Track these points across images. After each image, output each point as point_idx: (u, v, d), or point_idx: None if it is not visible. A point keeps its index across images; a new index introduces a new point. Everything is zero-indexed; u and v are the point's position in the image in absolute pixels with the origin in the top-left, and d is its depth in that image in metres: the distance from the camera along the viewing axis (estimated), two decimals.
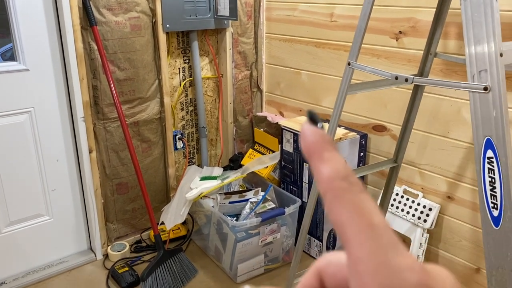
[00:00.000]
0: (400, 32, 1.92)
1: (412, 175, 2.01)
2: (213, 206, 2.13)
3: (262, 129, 2.56)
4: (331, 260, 0.24)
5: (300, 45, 2.37)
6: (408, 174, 2.03)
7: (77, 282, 2.08)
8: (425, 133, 1.93)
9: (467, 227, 1.87)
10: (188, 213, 2.19)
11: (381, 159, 2.12)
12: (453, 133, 1.84)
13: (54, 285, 2.06)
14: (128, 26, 2.05)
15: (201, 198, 2.16)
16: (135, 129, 2.21)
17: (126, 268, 2.07)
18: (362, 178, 2.22)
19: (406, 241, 2.02)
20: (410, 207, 1.99)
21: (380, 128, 2.11)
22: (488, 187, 1.06)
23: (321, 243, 2.20)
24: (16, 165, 1.98)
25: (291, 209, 2.08)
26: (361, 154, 2.15)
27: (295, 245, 2.23)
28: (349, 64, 1.42)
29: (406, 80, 1.23)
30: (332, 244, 2.22)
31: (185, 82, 2.38)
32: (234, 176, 2.28)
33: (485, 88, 1.03)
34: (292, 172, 2.26)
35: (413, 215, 1.96)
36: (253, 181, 2.41)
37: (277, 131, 2.45)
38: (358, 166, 2.16)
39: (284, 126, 2.25)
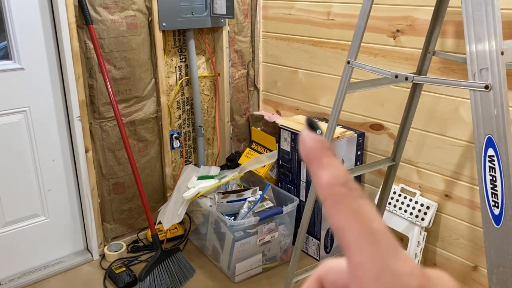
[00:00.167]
0: (398, 30, 1.92)
1: (410, 173, 2.02)
2: (210, 206, 2.12)
3: (259, 128, 2.55)
4: (331, 267, 0.24)
5: (297, 44, 2.37)
6: (406, 172, 2.03)
7: (74, 283, 2.07)
8: (422, 131, 1.93)
9: (465, 225, 1.87)
10: (185, 213, 2.18)
11: (379, 157, 2.12)
12: (450, 131, 1.84)
13: (51, 286, 2.04)
14: (124, 24, 2.04)
15: (198, 197, 2.15)
16: (132, 128, 2.19)
17: (123, 268, 2.06)
18: (360, 176, 2.22)
19: (403, 239, 2.02)
20: (408, 205, 1.99)
21: (377, 127, 2.11)
22: (489, 186, 1.06)
23: (318, 242, 2.20)
24: (11, 165, 1.96)
25: (289, 208, 2.08)
26: (359, 152, 2.15)
27: (293, 244, 2.23)
28: (348, 62, 1.41)
29: (406, 78, 1.23)
30: (329, 243, 2.22)
31: (182, 81, 2.37)
32: (232, 175, 2.27)
33: (486, 87, 1.03)
34: (289, 171, 2.26)
35: (411, 214, 1.97)
36: (251, 180, 2.41)
37: (274, 130, 2.44)
38: (356, 164, 2.16)
39: (281, 125, 2.24)
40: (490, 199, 1.06)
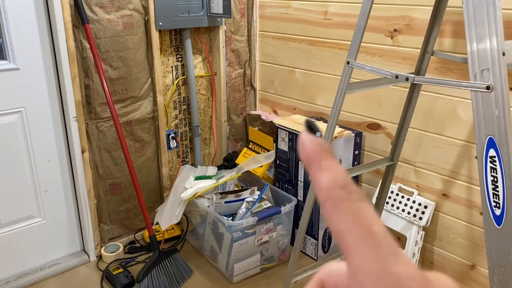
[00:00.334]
0: (395, 30, 1.92)
1: (407, 173, 2.02)
2: (208, 206, 2.12)
3: (256, 127, 2.54)
4: (332, 270, 0.24)
5: (294, 43, 2.36)
6: (403, 172, 2.03)
7: (71, 284, 2.05)
8: (420, 131, 1.94)
9: (462, 224, 1.88)
10: (183, 213, 2.17)
11: (376, 157, 2.12)
12: (448, 131, 1.85)
13: None
14: (121, 24, 2.02)
15: (196, 198, 2.14)
16: (128, 128, 2.18)
17: (121, 270, 2.05)
18: (357, 176, 2.22)
19: (401, 238, 2.03)
20: (406, 204, 1.99)
21: (374, 126, 2.11)
22: (490, 186, 1.06)
23: (316, 242, 2.20)
24: (7, 166, 1.94)
25: (287, 208, 2.08)
26: (356, 152, 2.15)
27: (291, 243, 2.23)
28: (348, 63, 1.41)
29: (407, 79, 1.23)
30: (327, 242, 2.22)
31: (178, 81, 2.36)
32: (229, 175, 2.26)
33: (488, 87, 1.03)
34: (287, 171, 2.26)
35: (409, 213, 1.97)
36: (248, 180, 2.40)
37: (271, 129, 2.44)
38: (353, 164, 2.16)
39: (279, 125, 2.24)
40: (492, 199, 1.06)
